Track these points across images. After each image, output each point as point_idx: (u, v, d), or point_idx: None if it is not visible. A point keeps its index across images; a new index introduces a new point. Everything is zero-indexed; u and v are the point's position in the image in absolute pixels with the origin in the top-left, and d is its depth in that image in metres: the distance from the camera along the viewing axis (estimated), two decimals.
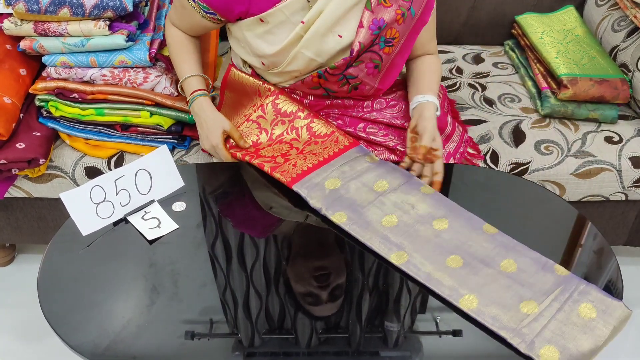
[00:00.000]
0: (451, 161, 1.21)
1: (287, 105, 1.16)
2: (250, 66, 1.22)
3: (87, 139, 1.34)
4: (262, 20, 1.06)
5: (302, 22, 1.04)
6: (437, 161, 1.05)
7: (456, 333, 0.82)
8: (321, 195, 1.00)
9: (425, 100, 1.13)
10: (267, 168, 1.06)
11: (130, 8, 1.22)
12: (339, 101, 1.22)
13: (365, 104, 1.23)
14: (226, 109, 1.27)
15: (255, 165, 1.08)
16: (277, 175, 1.04)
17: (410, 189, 1.01)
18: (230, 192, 1.10)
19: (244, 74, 1.20)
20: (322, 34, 1.05)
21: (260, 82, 1.18)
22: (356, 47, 1.06)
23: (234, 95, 1.25)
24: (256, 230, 0.99)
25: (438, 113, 1.14)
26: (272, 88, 1.17)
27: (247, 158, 1.11)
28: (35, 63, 1.37)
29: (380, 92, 1.20)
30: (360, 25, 1.06)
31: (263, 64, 1.13)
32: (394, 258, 0.90)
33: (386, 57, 1.12)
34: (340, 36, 1.06)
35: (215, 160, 1.31)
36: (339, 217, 0.96)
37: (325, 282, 0.91)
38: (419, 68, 1.22)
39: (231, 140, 1.18)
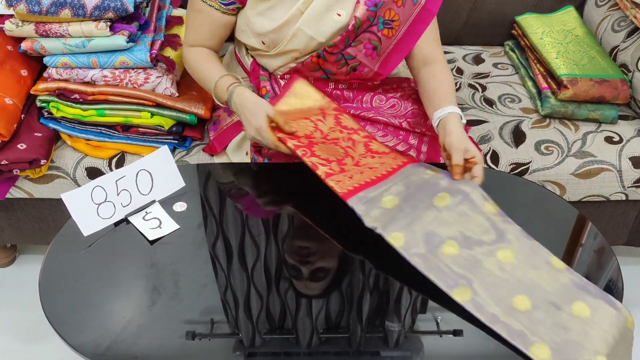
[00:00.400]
0: None
1: (348, 122, 1.12)
2: (252, 55, 1.23)
3: (88, 140, 1.34)
4: None
5: None
6: (474, 167, 0.99)
7: (457, 333, 0.82)
8: (377, 213, 0.91)
9: (446, 114, 1.07)
10: (321, 172, 0.97)
11: (131, 9, 1.22)
12: (339, 92, 1.22)
13: (364, 99, 1.23)
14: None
15: (308, 165, 0.98)
16: (331, 183, 0.95)
17: (472, 207, 0.92)
18: (231, 192, 1.10)
19: (311, 87, 1.16)
20: (322, 11, 1.08)
21: (326, 99, 1.16)
22: (352, 21, 1.08)
23: (291, 102, 1.16)
24: (257, 230, 1.00)
25: (464, 121, 1.08)
26: (336, 106, 1.16)
27: (299, 152, 1.00)
28: (37, 64, 1.37)
29: (379, 77, 1.20)
30: (357, 1, 1.09)
31: (263, 43, 1.14)
32: (457, 294, 0.82)
33: (386, 40, 1.13)
34: (339, 14, 1.09)
35: (216, 161, 1.32)
36: (395, 239, 0.88)
37: (307, 260, 0.92)
38: (430, 80, 1.16)
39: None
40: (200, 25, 1.17)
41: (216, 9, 1.13)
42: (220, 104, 1.15)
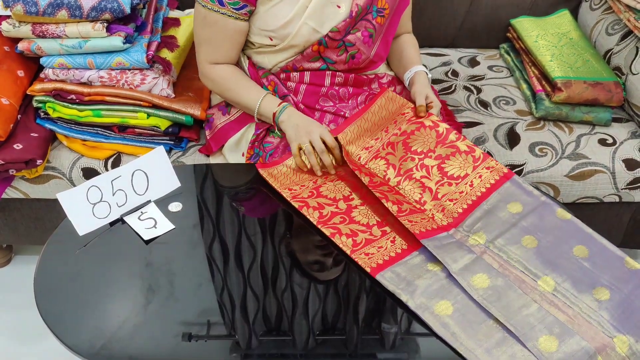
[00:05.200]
0: None
1: (417, 145, 1.09)
2: (247, 57, 1.24)
3: (85, 140, 1.34)
4: None
5: None
6: (431, 110, 1.15)
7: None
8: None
9: (412, 73, 1.25)
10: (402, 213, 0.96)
11: (127, 10, 1.23)
12: (334, 91, 1.23)
13: (359, 99, 1.24)
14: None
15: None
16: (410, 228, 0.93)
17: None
18: (226, 193, 1.11)
19: (397, 96, 1.18)
20: (324, 4, 1.13)
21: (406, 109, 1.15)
22: (354, 9, 1.15)
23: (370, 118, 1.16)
24: (253, 230, 1.00)
25: (430, 76, 1.25)
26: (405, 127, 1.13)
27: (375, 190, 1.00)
28: (33, 64, 1.37)
29: (373, 65, 1.26)
30: None
31: (271, 39, 1.16)
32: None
33: (379, 27, 1.20)
34: (339, 6, 1.15)
35: (211, 161, 1.32)
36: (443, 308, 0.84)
37: (303, 260, 0.94)
38: (399, 48, 1.32)
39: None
40: (218, 39, 1.16)
41: (229, 16, 1.12)
42: (259, 120, 1.19)
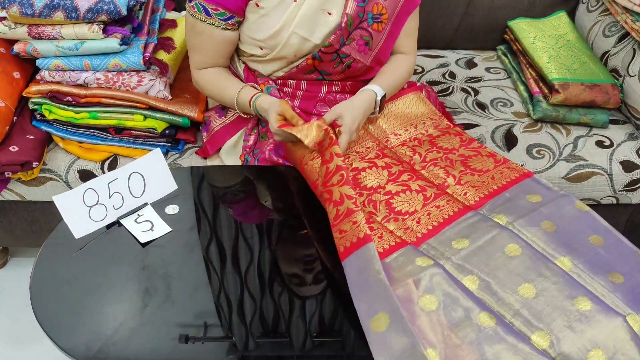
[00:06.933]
0: None
1: (443, 143, 1.15)
2: (243, 62, 1.23)
3: (81, 142, 1.34)
4: (257, 5, 1.10)
5: (295, 1, 1.09)
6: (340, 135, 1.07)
7: None
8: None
9: (366, 89, 1.15)
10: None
11: (124, 12, 1.22)
12: (332, 97, 1.23)
13: None
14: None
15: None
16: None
17: None
18: (223, 195, 1.10)
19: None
20: (314, 12, 1.11)
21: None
22: (344, 19, 1.11)
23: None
24: (250, 232, 1.00)
25: (378, 98, 1.14)
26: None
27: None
28: (29, 66, 1.37)
29: (371, 72, 1.23)
30: None
31: (261, 48, 1.16)
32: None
33: (376, 35, 1.17)
34: (330, 13, 1.12)
35: (208, 164, 1.32)
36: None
37: (300, 262, 0.93)
38: (385, 66, 1.24)
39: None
40: (205, 47, 1.16)
41: (216, 27, 1.12)
42: (249, 117, 1.21)
